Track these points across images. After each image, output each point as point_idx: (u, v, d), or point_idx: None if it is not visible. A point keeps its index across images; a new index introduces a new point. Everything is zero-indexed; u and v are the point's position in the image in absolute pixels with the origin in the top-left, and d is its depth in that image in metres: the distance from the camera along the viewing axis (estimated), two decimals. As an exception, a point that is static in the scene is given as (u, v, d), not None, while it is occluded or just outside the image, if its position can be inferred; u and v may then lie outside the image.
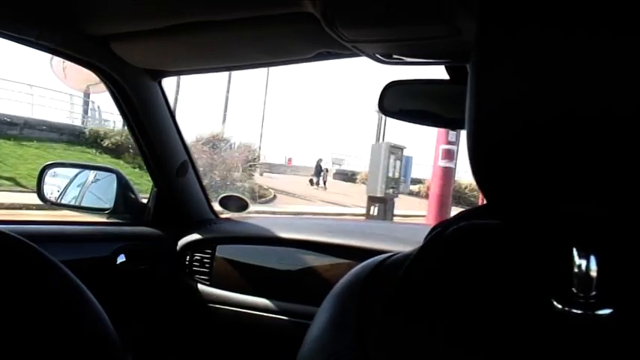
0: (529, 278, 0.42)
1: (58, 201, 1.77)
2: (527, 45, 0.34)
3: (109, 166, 1.82)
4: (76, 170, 1.86)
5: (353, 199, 17.13)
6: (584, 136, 0.33)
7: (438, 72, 1.11)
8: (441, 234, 0.48)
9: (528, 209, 0.38)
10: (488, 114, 0.36)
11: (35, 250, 0.77)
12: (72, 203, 1.76)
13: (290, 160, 29.26)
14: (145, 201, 1.74)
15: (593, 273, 0.38)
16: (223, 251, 1.63)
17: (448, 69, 1.09)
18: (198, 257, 1.66)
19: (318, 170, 23.62)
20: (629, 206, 0.34)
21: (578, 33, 0.32)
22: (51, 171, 1.75)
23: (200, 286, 1.64)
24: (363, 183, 22.99)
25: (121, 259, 1.55)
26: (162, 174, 1.65)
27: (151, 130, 1.56)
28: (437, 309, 0.43)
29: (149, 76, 1.50)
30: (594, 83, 0.32)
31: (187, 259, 1.67)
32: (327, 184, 22.72)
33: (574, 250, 0.39)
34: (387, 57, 1.05)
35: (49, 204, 1.73)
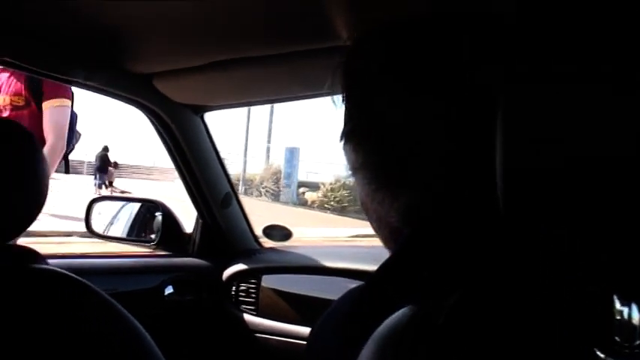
0: (569, 325, 0.41)
1: (105, 233, 1.81)
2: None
3: (153, 198, 1.85)
4: (122, 203, 1.90)
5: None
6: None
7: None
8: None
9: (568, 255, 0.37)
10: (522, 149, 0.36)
11: (84, 285, 0.76)
12: (118, 235, 1.80)
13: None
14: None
15: (636, 321, 0.37)
16: (269, 281, 1.63)
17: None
18: (244, 287, 1.66)
19: (101, 165, 15.82)
20: None
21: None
22: (98, 204, 1.79)
23: (247, 316, 1.64)
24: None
25: (169, 290, 1.57)
26: (206, 206, 1.67)
27: (194, 164, 1.59)
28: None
29: (191, 111, 1.53)
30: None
31: (233, 290, 1.67)
32: (113, 185, 16.03)
33: (614, 297, 0.38)
34: None
35: (97, 237, 1.77)
